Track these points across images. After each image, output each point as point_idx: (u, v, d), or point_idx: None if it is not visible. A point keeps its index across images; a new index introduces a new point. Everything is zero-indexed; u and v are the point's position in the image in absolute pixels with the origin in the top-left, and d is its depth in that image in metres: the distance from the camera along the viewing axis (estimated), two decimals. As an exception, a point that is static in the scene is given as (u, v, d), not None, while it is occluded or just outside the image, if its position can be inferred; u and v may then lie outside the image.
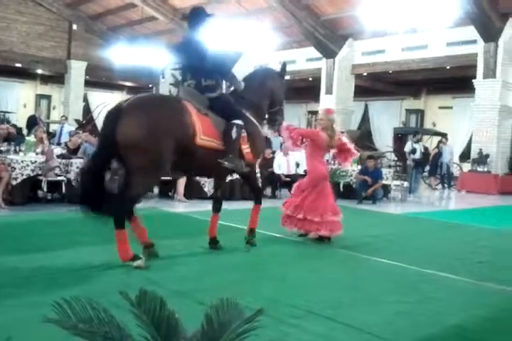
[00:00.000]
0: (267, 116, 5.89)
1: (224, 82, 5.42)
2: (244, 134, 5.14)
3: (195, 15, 5.24)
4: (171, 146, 4.51)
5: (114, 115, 4.46)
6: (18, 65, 20.48)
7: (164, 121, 4.48)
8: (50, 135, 14.45)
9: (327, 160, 12.37)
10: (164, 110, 4.59)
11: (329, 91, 18.11)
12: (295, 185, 6.60)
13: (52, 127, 17.55)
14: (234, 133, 4.95)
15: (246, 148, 5.21)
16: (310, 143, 6.31)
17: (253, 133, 5.33)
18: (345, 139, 6.76)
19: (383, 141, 20.93)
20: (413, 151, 15.42)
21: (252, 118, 5.39)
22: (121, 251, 4.44)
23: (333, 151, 6.92)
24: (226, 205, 8.86)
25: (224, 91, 5.38)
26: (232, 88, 5.62)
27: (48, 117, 21.67)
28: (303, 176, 11.03)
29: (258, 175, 6.75)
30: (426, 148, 18.00)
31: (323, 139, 6.22)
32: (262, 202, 5.83)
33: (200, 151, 4.77)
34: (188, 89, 5.13)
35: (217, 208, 5.58)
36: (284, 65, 6.08)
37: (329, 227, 6.05)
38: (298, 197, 6.27)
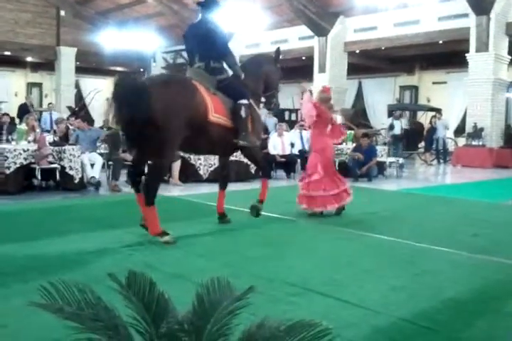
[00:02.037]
0: (263, 99, 6.20)
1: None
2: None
3: (209, 2, 5.53)
4: (183, 122, 4.82)
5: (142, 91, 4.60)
6: (7, 53, 20.26)
7: (178, 99, 4.79)
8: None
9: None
10: (178, 89, 4.90)
11: (322, 70, 17.99)
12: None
13: (45, 115, 17.48)
14: (243, 113, 5.33)
15: (250, 128, 5.53)
16: (317, 120, 6.38)
17: (254, 116, 5.67)
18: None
19: (378, 118, 20.88)
20: (391, 127, 15.53)
21: (252, 102, 5.67)
22: (151, 226, 4.84)
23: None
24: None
25: (228, 74, 5.62)
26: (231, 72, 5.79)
27: (41, 105, 21.51)
28: (297, 156, 11.10)
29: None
30: (416, 123, 18.03)
31: (327, 114, 6.45)
32: (256, 182, 5.93)
33: (212, 128, 5.13)
34: (197, 70, 5.43)
35: (223, 185, 5.98)
36: (278, 51, 6.35)
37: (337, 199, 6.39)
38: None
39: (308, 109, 6.31)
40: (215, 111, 5.13)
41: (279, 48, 6.37)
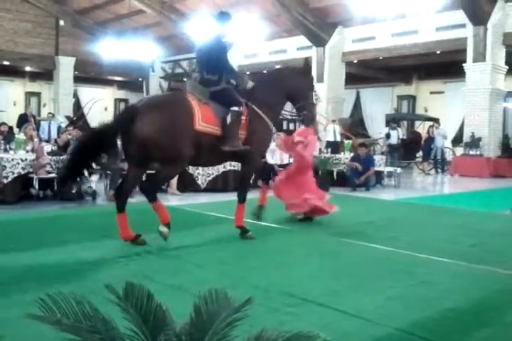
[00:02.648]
0: (295, 112, 6.24)
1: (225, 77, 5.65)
2: (243, 121, 5.51)
3: (221, 17, 5.76)
4: (188, 140, 5.08)
5: (130, 114, 5.03)
6: (6, 62, 20.34)
7: (174, 119, 5.05)
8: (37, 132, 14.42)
9: (320, 149, 12.41)
10: (173, 109, 5.17)
11: (320, 80, 18.04)
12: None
13: (43, 125, 17.51)
14: (229, 118, 5.38)
15: (241, 134, 5.52)
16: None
17: (258, 127, 5.66)
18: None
19: (376, 127, 20.93)
20: (387, 136, 15.61)
21: (262, 114, 5.68)
22: (160, 217, 5.15)
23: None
24: (220, 197, 8.91)
25: (225, 85, 5.63)
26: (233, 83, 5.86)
27: (39, 115, 21.54)
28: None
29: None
30: (414, 133, 18.10)
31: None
32: (253, 192, 6.10)
33: (203, 138, 5.21)
34: (192, 82, 5.69)
35: (239, 197, 5.84)
36: (306, 61, 6.48)
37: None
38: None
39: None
40: (203, 120, 5.23)
41: (307, 59, 6.54)
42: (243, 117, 5.50)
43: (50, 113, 17.47)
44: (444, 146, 16.32)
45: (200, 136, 5.19)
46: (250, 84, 5.81)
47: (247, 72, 19.35)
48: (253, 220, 6.11)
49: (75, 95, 22.82)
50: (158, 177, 5.49)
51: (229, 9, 16.53)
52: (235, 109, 5.44)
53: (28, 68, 21.78)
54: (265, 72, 7.01)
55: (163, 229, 5.09)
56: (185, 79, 23.95)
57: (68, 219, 6.80)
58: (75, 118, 16.94)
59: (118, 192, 5.39)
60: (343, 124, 17.15)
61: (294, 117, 6.38)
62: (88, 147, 5.09)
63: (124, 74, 23.95)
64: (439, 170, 16.12)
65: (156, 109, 5.10)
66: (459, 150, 16.05)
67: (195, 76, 5.68)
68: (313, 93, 6.24)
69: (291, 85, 5.96)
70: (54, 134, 14.44)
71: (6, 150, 8.91)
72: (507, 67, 14.83)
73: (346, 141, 13.06)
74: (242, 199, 5.73)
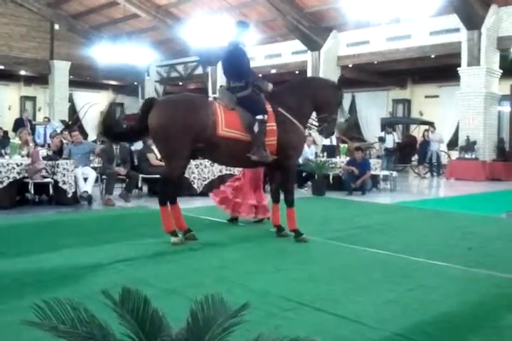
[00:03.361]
0: (316, 122, 6.27)
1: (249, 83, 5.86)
2: (270, 128, 5.64)
3: (240, 25, 6.04)
4: (189, 136, 5.31)
5: (147, 106, 5.52)
6: (1, 67, 20.32)
7: (182, 116, 5.32)
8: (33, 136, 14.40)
9: (316, 153, 12.43)
10: (185, 107, 5.44)
11: (315, 84, 18.08)
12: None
13: (39, 129, 17.48)
14: (256, 128, 5.52)
15: (270, 141, 5.65)
16: None
17: (287, 129, 5.76)
18: None
19: (371, 131, 20.98)
20: (382, 140, 15.70)
21: (291, 117, 5.80)
22: (165, 224, 5.45)
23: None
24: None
25: (251, 90, 5.81)
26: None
27: (34, 119, 21.51)
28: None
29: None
30: (409, 137, 18.18)
31: None
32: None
33: (225, 141, 5.47)
34: (221, 89, 5.98)
35: (274, 198, 6.22)
36: (340, 78, 6.84)
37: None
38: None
39: None
40: (227, 126, 5.46)
41: (342, 76, 6.81)
42: (268, 124, 5.61)
43: (45, 117, 17.46)
44: (439, 150, 16.36)
45: (225, 140, 5.46)
46: (270, 86, 5.94)
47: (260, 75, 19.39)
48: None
49: (70, 99, 22.78)
50: (163, 177, 5.76)
51: (224, 14, 16.69)
52: (260, 117, 5.54)
53: (23, 72, 21.74)
54: (295, 79, 7.29)
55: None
56: (180, 83, 24.08)
57: (64, 223, 6.78)
58: (70, 123, 16.88)
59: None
60: (339, 128, 17.16)
61: (313, 126, 6.35)
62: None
63: (120, 78, 23.93)
64: (435, 174, 16.15)
65: (174, 103, 5.61)
66: (455, 154, 16.09)
67: (222, 84, 6.07)
68: (340, 110, 6.36)
69: (319, 95, 6.06)
70: (49, 139, 14.40)
71: (1, 155, 8.87)
72: (501, 71, 14.90)
73: (342, 145, 13.07)
74: (290, 204, 5.89)
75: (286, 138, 5.72)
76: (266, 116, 5.58)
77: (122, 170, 8.97)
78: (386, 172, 12.00)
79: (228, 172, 9.87)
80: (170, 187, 5.62)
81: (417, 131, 18.29)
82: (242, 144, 5.50)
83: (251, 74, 5.93)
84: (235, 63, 5.81)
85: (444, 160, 16.74)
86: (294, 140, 5.84)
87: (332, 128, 6.37)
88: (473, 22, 14.29)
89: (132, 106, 24.72)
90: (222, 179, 9.87)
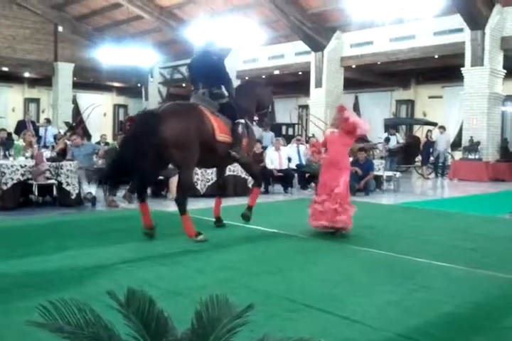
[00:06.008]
0: (256, 117, 7.09)
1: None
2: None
3: (209, 44, 6.50)
4: (198, 143, 5.63)
5: (152, 120, 5.52)
6: (5, 69, 20.36)
7: (193, 124, 5.59)
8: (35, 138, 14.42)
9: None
10: (194, 115, 5.72)
11: (319, 85, 18.11)
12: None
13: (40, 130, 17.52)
14: (240, 130, 6.09)
15: (244, 142, 6.27)
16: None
17: (249, 132, 6.47)
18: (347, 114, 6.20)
19: (374, 132, 20.92)
20: (386, 140, 15.73)
21: (248, 121, 6.50)
22: (187, 230, 5.61)
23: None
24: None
25: (227, 98, 6.33)
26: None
27: (38, 121, 21.56)
28: (295, 170, 11.13)
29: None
30: (413, 137, 18.16)
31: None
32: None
33: (219, 146, 5.89)
34: (202, 96, 6.14)
35: (221, 193, 6.96)
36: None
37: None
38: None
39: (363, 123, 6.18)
40: (220, 131, 5.88)
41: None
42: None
43: (46, 118, 17.46)
44: (446, 151, 16.29)
45: (218, 144, 5.87)
46: (233, 96, 6.41)
47: (247, 77, 19.42)
48: (244, 221, 6.60)
49: (74, 101, 22.83)
50: (183, 185, 5.89)
51: (228, 15, 16.70)
52: (242, 121, 6.15)
53: (26, 74, 21.80)
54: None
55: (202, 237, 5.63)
56: (184, 85, 24.12)
57: (68, 225, 6.80)
58: (74, 124, 16.91)
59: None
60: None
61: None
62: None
63: (123, 80, 23.99)
64: (439, 175, 16.11)
65: (179, 115, 5.68)
66: (458, 155, 16.05)
67: (202, 91, 6.13)
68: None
69: (259, 94, 6.87)
70: (49, 140, 14.47)
71: (5, 157, 8.91)
72: (505, 71, 14.87)
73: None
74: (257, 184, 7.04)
75: (249, 141, 6.46)
76: (243, 120, 6.22)
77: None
78: (389, 173, 11.99)
79: (232, 173, 9.87)
80: (186, 195, 5.89)
81: (421, 132, 18.27)
82: (226, 147, 5.99)
83: (227, 80, 6.37)
84: (214, 69, 6.18)
85: (448, 160, 16.70)
86: (253, 142, 6.90)
87: (269, 120, 7.40)
88: (477, 22, 14.27)
89: (136, 107, 24.76)
90: (224, 180, 9.86)
